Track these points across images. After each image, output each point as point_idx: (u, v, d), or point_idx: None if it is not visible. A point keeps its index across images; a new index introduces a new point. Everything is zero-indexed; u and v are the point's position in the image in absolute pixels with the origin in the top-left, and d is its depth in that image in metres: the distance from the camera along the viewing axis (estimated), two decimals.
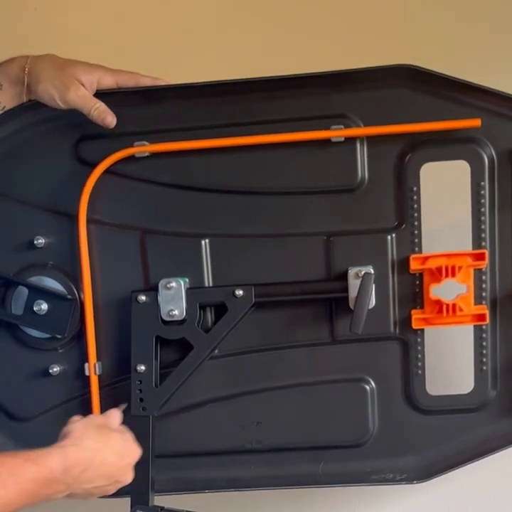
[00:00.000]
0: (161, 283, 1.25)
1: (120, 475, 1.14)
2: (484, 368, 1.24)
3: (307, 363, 1.28)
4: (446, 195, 1.30)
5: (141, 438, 1.22)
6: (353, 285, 1.21)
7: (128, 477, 1.16)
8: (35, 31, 1.53)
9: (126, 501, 1.24)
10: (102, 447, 1.11)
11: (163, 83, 1.25)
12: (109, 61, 1.25)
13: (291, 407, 1.29)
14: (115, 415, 1.21)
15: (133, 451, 1.17)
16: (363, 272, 1.21)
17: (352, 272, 1.22)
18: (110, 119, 1.23)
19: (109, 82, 1.24)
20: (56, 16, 1.54)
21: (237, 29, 1.49)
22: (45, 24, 1.53)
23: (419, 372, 1.25)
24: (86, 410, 1.29)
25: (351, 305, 1.21)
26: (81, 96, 1.22)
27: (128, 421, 1.23)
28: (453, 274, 1.19)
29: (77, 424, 1.13)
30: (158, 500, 1.26)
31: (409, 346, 1.25)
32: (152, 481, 1.24)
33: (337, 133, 1.21)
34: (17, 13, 1.53)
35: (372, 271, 1.22)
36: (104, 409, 1.29)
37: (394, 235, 1.23)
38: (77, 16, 1.53)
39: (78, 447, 1.09)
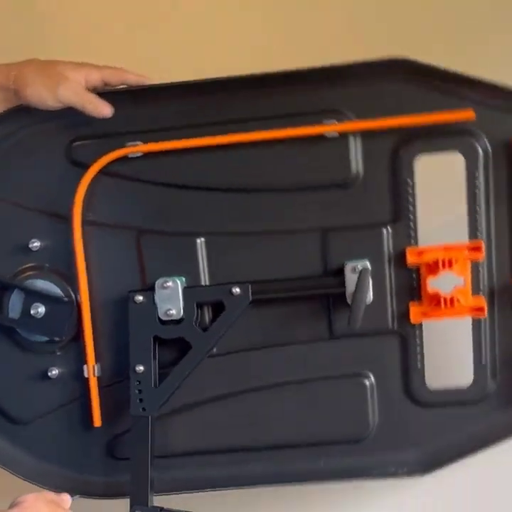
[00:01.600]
0: (158, 282, 1.25)
1: None
2: (483, 360, 1.24)
3: (305, 360, 1.27)
4: (441, 187, 1.29)
5: (140, 438, 1.22)
6: (350, 280, 1.21)
7: None
8: (34, 31, 1.52)
9: (126, 501, 1.23)
10: None
11: (148, 81, 1.24)
12: (109, 61, 1.24)
13: (290, 404, 1.28)
14: (66, 497, 1.18)
15: None
16: (359, 267, 1.21)
17: (348, 266, 1.22)
18: (107, 110, 1.22)
19: (96, 78, 1.22)
20: (56, 16, 1.53)
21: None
22: (45, 24, 1.53)
23: (419, 366, 1.25)
24: (86, 412, 1.29)
25: (349, 300, 1.20)
26: (73, 90, 1.20)
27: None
28: (450, 267, 1.19)
29: (30, 495, 1.11)
30: (158, 500, 1.25)
31: (407, 340, 1.25)
32: (152, 481, 1.23)
33: (330, 128, 1.20)
34: (17, 13, 1.52)
35: (368, 265, 1.22)
36: (104, 410, 1.29)
37: (390, 229, 1.23)
38: (76, 16, 1.52)
39: None
